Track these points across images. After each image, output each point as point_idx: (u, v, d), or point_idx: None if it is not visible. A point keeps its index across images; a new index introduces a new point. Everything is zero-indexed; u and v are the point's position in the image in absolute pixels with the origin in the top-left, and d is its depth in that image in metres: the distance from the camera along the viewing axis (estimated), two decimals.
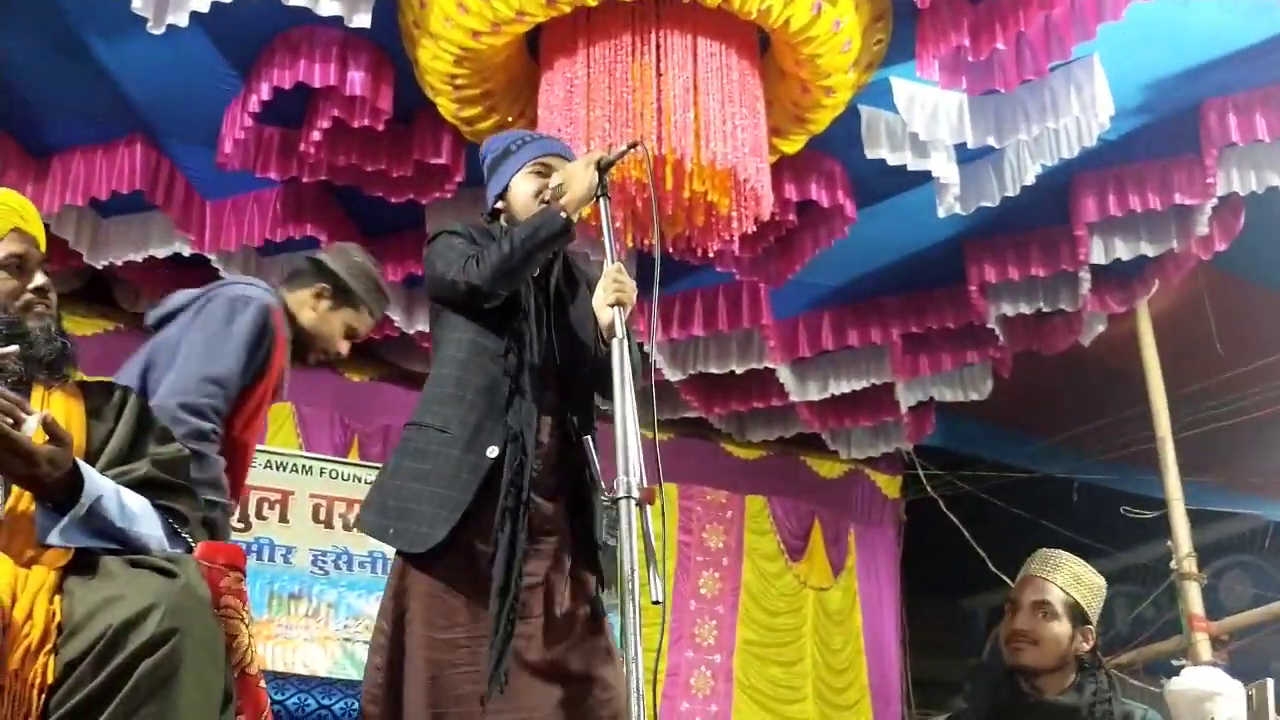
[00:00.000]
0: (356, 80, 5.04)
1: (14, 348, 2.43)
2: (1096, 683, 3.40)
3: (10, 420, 2.20)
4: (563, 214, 2.91)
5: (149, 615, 2.15)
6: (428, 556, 2.86)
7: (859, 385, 7.70)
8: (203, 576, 2.32)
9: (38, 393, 2.53)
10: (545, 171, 3.13)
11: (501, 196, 3.20)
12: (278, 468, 7.13)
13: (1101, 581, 3.50)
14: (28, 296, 2.53)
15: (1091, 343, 7.18)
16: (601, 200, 2.91)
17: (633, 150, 3.07)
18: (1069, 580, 3.46)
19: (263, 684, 2.46)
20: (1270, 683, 4.00)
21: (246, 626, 2.47)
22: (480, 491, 2.86)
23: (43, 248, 2.66)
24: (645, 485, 2.54)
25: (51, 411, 2.54)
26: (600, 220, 2.91)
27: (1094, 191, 5.92)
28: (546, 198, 3.02)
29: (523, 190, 3.14)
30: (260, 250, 6.55)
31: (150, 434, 2.69)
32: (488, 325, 3.01)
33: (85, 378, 2.86)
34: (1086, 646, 3.41)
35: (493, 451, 2.88)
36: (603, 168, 2.93)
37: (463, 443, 2.90)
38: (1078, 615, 3.41)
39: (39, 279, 2.57)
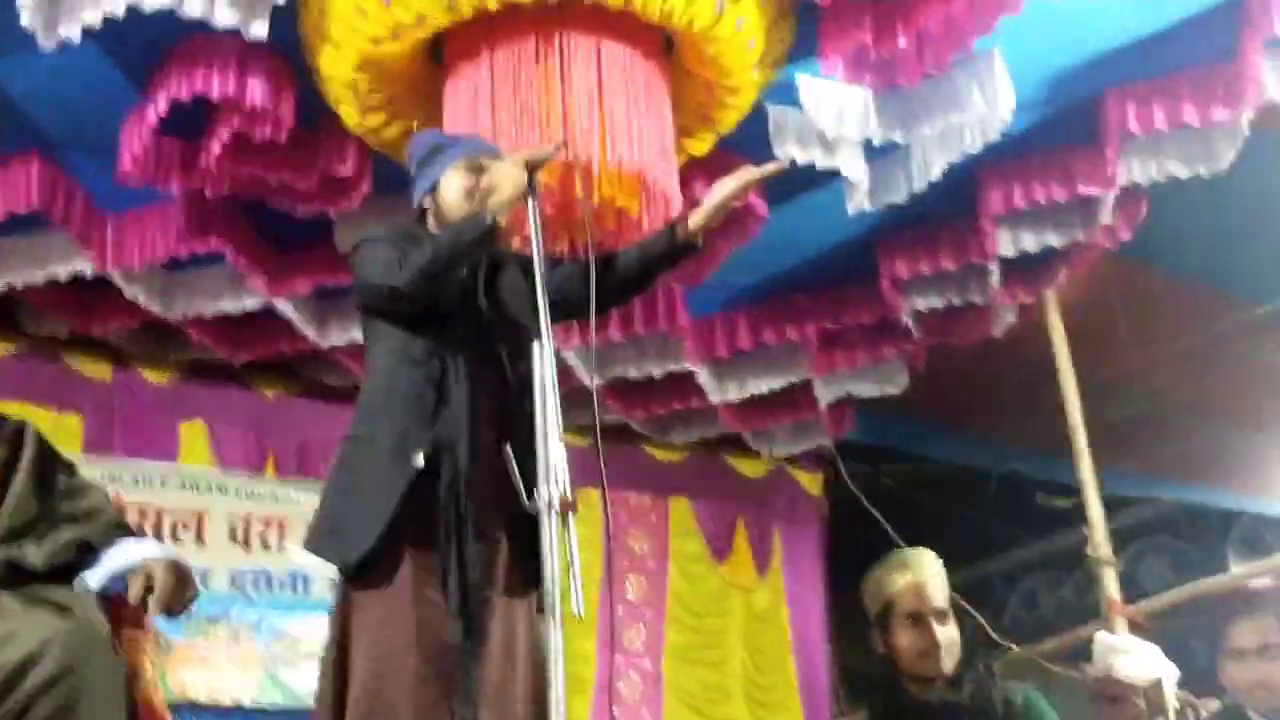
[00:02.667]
0: (256, 90, 4.93)
1: None
2: (974, 669, 3.44)
3: None
4: (489, 216, 2.89)
5: (45, 653, 2.11)
6: (363, 571, 2.82)
7: (777, 384, 7.72)
8: (101, 610, 2.27)
9: None
10: (476, 170, 3.12)
11: (431, 194, 3.17)
12: (191, 488, 7.02)
13: None
14: None
15: (1004, 334, 7.27)
16: (530, 200, 2.90)
17: (559, 151, 3.08)
18: (940, 578, 3.50)
19: (168, 716, 2.41)
20: (1165, 681, 4.08)
21: (150, 656, 2.42)
22: (406, 500, 2.81)
23: None
24: (567, 495, 2.54)
25: None
26: (527, 220, 2.90)
27: (999, 184, 5.97)
28: (477, 197, 3.00)
29: (453, 187, 3.14)
30: (166, 267, 6.41)
31: (59, 466, 2.66)
32: (415, 331, 2.99)
33: None
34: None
35: (419, 459, 2.84)
36: (531, 168, 2.93)
37: (388, 452, 2.86)
38: (955, 609, 3.48)
39: None
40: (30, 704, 2.09)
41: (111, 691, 2.19)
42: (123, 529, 2.59)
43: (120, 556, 2.45)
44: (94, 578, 2.43)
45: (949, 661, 3.41)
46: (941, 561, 3.61)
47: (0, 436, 2.63)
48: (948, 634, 3.42)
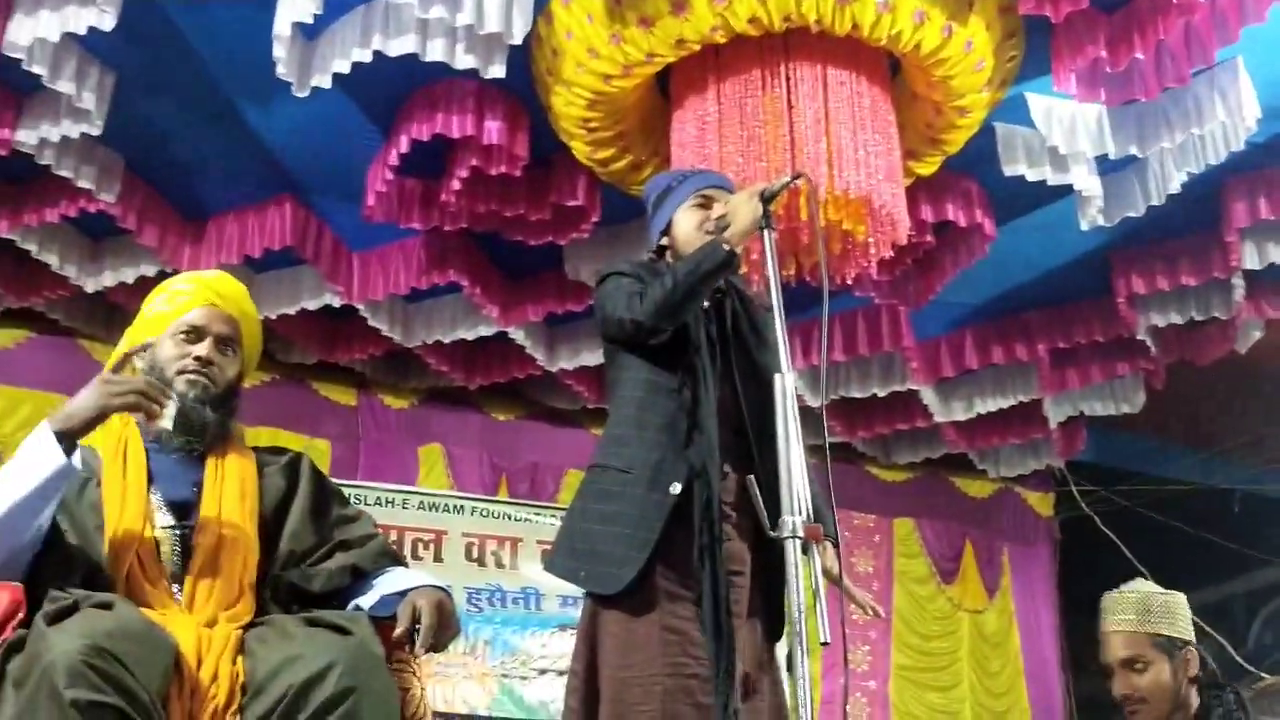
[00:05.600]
0: (493, 130, 5.14)
1: (171, 400, 2.52)
2: (1223, 705, 3.23)
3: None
4: (725, 246, 2.90)
5: (328, 674, 2.22)
6: (618, 596, 2.88)
7: (1005, 403, 7.58)
8: (375, 632, 2.39)
9: (212, 460, 2.64)
10: (707, 204, 3.13)
11: (666, 232, 3.21)
12: (430, 508, 7.28)
13: (1175, 597, 3.32)
14: (185, 362, 2.62)
15: (1248, 350, 6.96)
16: (765, 232, 2.90)
17: (795, 181, 3.06)
18: (1141, 618, 3.26)
19: None
20: None
21: (418, 678, 2.54)
22: (667, 529, 2.87)
23: (242, 330, 2.74)
24: (810, 523, 2.53)
25: (226, 473, 2.67)
26: (764, 252, 2.89)
27: (1244, 196, 5.75)
28: (710, 229, 3.03)
29: (686, 223, 3.14)
30: (406, 298, 6.71)
31: (332, 496, 2.81)
32: (662, 362, 3.01)
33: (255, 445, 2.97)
34: (1195, 669, 3.23)
35: (676, 488, 2.87)
36: (766, 199, 2.91)
37: (646, 481, 2.90)
38: (1169, 647, 3.23)
39: (203, 349, 2.65)
40: None
41: (389, 710, 2.31)
42: (391, 557, 2.73)
43: (390, 584, 2.57)
44: (366, 602, 2.56)
45: (1148, 712, 3.20)
46: (1142, 599, 3.38)
47: (279, 468, 2.79)
48: (1141, 684, 3.21)
